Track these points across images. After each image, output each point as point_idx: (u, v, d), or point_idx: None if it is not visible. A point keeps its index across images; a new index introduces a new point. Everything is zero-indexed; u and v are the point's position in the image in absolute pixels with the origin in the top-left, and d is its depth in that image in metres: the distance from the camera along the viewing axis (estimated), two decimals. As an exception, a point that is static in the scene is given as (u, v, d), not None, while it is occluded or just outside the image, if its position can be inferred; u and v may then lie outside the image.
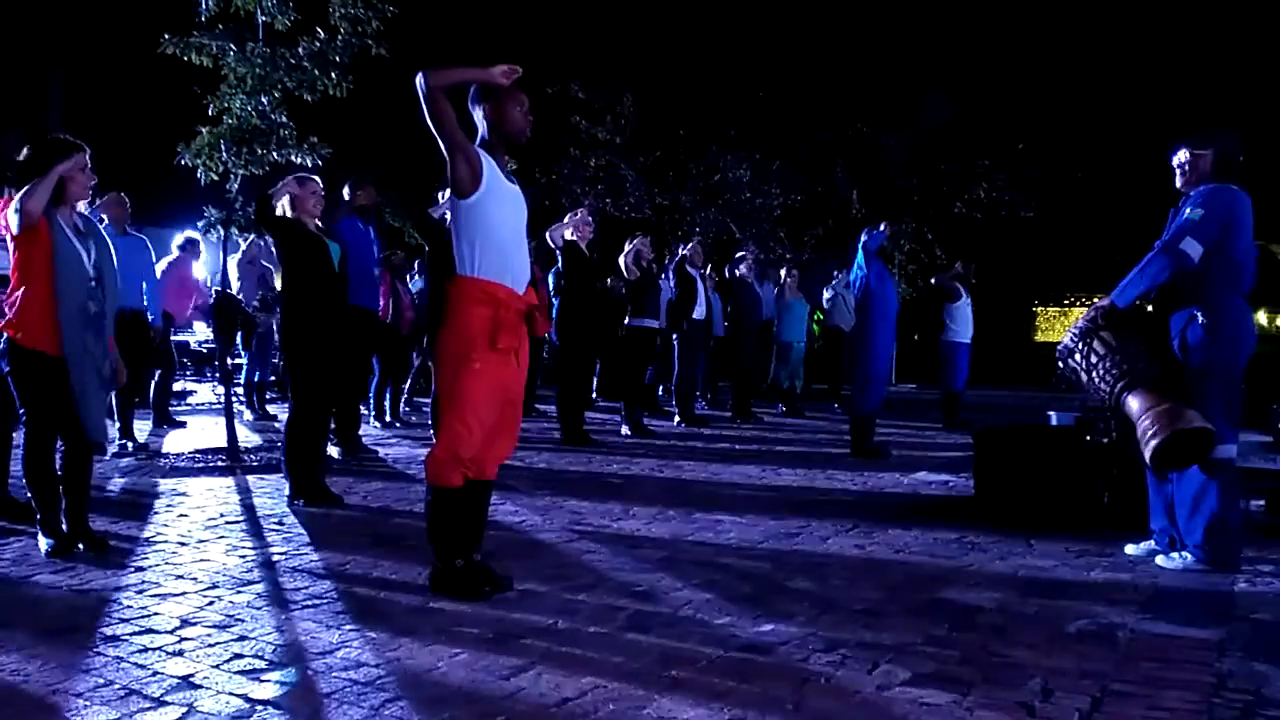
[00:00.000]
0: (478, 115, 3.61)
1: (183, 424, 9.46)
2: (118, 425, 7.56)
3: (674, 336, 10.25)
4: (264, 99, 7.13)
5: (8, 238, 4.21)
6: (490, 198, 3.50)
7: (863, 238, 7.87)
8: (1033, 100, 17.68)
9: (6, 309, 4.19)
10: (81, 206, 4.41)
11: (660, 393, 12.29)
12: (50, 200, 4.09)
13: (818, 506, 5.52)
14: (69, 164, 4.13)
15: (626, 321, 9.43)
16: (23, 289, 4.12)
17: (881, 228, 7.95)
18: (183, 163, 7.16)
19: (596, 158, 20.16)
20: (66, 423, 4.21)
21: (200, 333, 14.79)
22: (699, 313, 10.16)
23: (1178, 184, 4.24)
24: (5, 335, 4.17)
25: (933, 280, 10.76)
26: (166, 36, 7.12)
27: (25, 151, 4.18)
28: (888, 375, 8.03)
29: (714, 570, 4.05)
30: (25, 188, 4.04)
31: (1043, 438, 5.42)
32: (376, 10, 7.32)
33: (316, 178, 5.69)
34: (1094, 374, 4.07)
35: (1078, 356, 4.13)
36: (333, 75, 7.30)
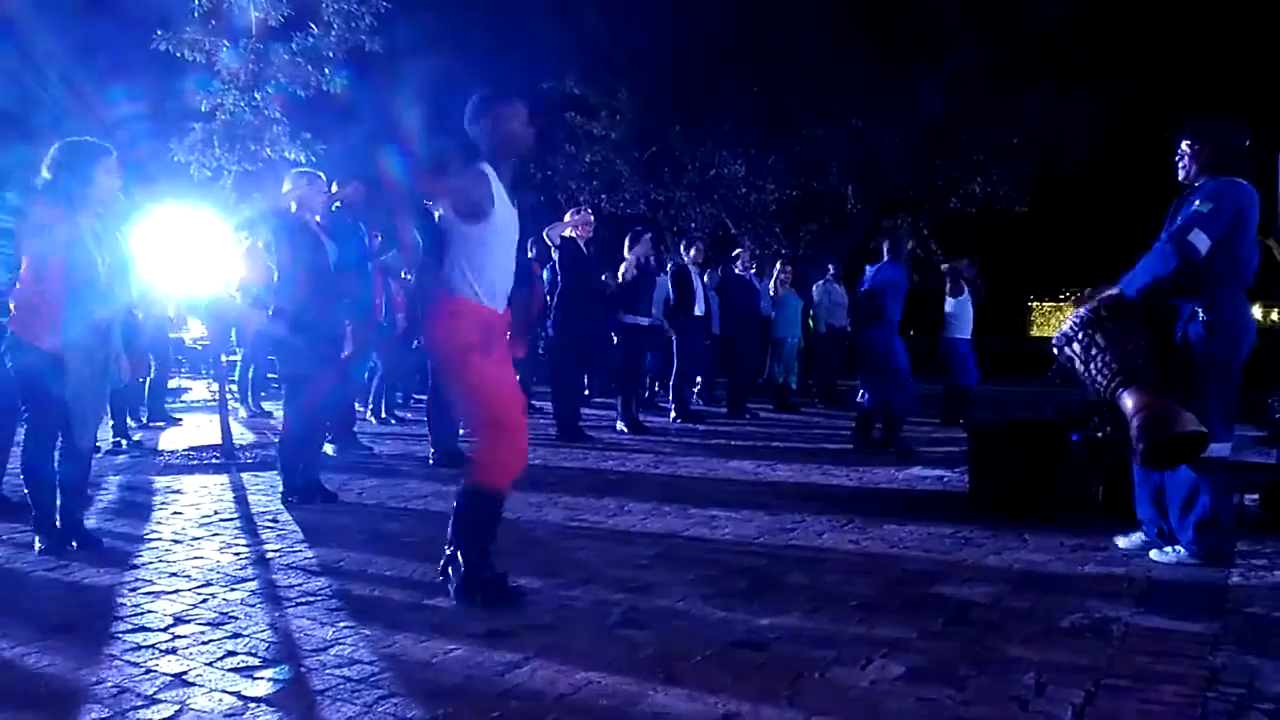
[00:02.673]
0: (476, 131, 3.55)
1: (178, 420, 9.45)
2: (111, 423, 7.55)
3: (671, 334, 10.26)
4: (257, 95, 7.11)
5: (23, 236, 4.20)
6: (494, 225, 3.45)
7: (884, 271, 7.90)
8: (1027, 95, 17.66)
9: (11, 304, 4.18)
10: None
11: (656, 389, 12.28)
12: (75, 203, 4.09)
13: (813, 502, 5.53)
14: (102, 168, 4.14)
15: (620, 318, 9.41)
16: (34, 286, 4.10)
17: (903, 256, 8.04)
18: (175, 158, 7.15)
19: (591, 153, 20.13)
20: (65, 422, 4.19)
21: (195, 330, 14.77)
22: (699, 309, 10.18)
23: (1179, 176, 4.22)
24: (11, 331, 4.16)
25: (943, 267, 10.70)
26: (159, 33, 7.10)
27: (54, 154, 4.14)
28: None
29: (709, 565, 4.05)
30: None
31: (1036, 432, 5.42)
32: (370, 6, 7.30)
33: (322, 175, 5.68)
34: (1092, 365, 4.02)
35: (1076, 346, 4.07)
36: (326, 71, 7.29)
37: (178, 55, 7.11)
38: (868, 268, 8.37)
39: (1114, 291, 4.09)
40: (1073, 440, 5.13)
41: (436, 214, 3.51)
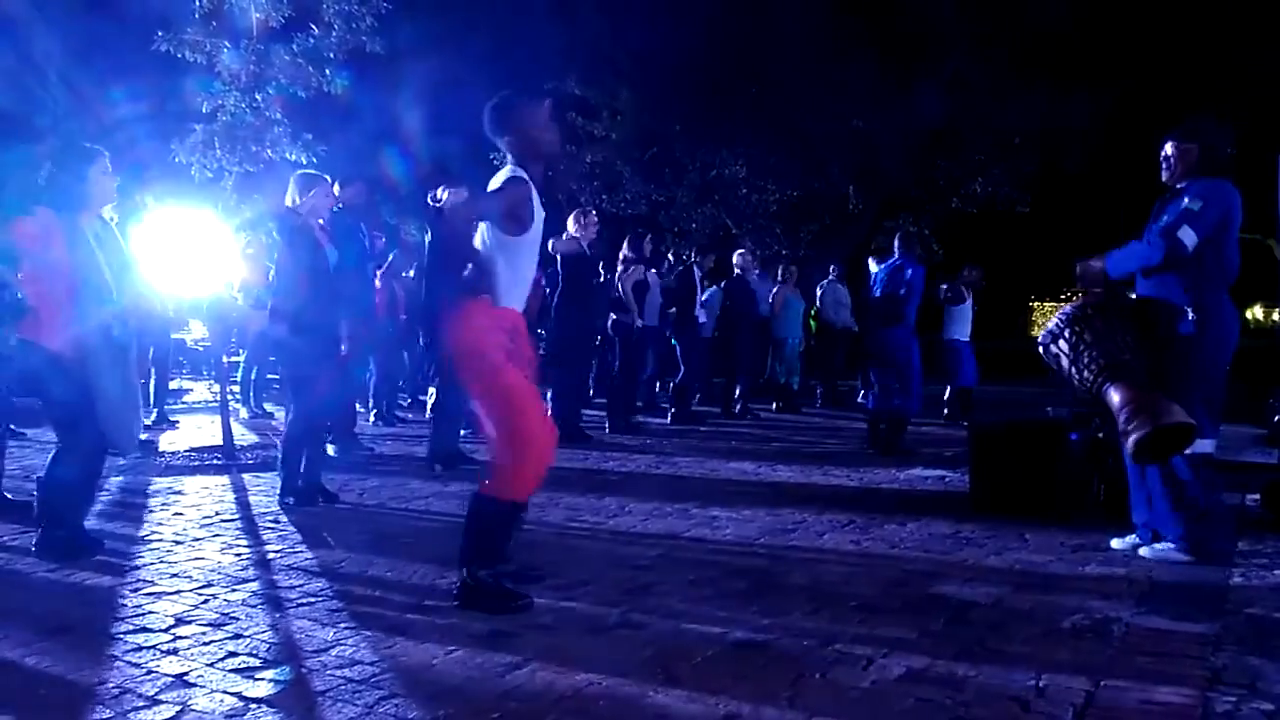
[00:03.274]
0: (503, 135, 3.52)
1: (175, 423, 9.44)
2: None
3: (671, 338, 10.34)
4: (258, 96, 7.12)
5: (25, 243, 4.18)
6: (534, 231, 3.45)
7: (908, 272, 7.86)
8: (1028, 95, 17.65)
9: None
10: (108, 211, 4.43)
11: (656, 389, 12.29)
12: (74, 206, 4.09)
13: (814, 502, 5.52)
14: (98, 170, 4.15)
15: (617, 319, 9.40)
16: (36, 288, 4.08)
17: (915, 254, 8.03)
18: (176, 160, 7.16)
19: (592, 153, 20.12)
20: (89, 426, 4.18)
21: (196, 330, 14.79)
22: (701, 316, 10.27)
23: (1163, 177, 4.26)
24: (21, 337, 4.13)
25: (944, 287, 10.67)
26: (160, 34, 7.11)
27: (48, 159, 4.16)
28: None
29: (710, 566, 4.05)
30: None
31: (1037, 432, 5.42)
32: (370, 7, 7.31)
33: (328, 177, 5.68)
34: (1079, 362, 4.01)
35: (1062, 343, 4.07)
36: (327, 72, 7.29)
37: (179, 56, 7.13)
38: (872, 262, 8.34)
39: (1099, 264, 4.12)
40: (1073, 440, 5.13)
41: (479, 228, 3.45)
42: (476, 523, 3.40)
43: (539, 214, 3.46)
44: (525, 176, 3.44)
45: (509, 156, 3.54)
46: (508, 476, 3.37)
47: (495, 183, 3.45)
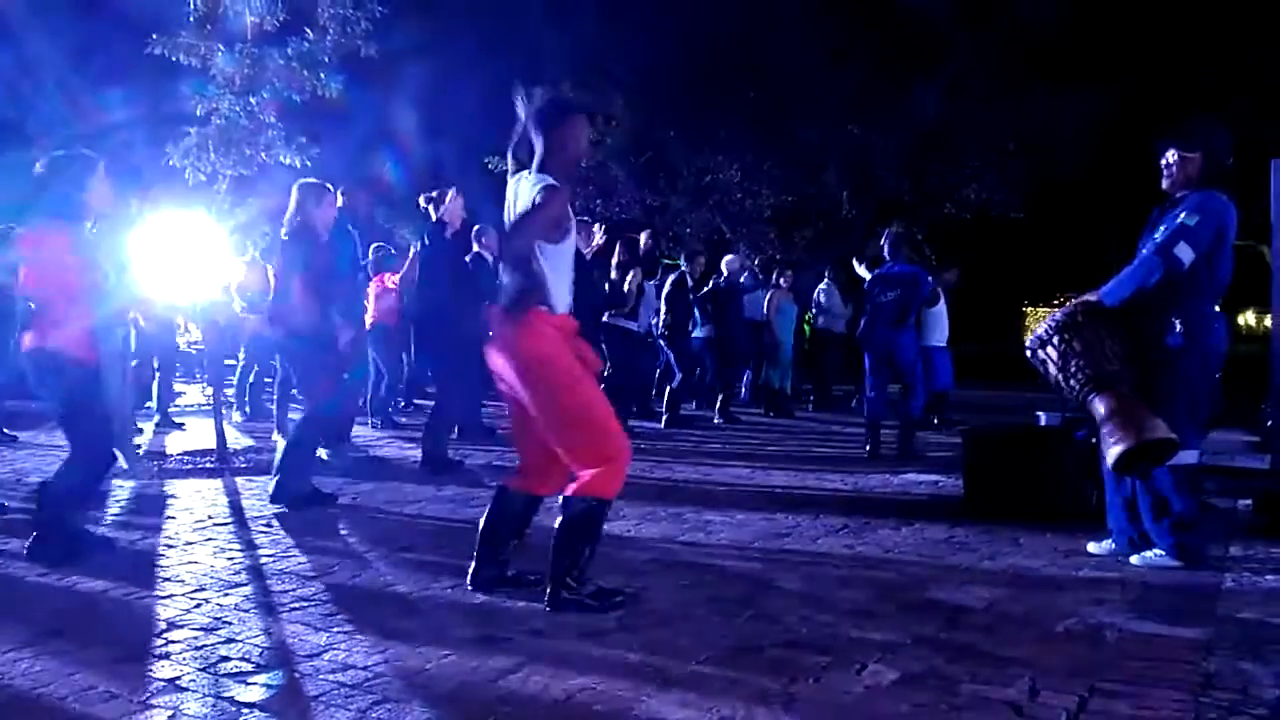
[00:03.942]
0: (541, 143, 3.51)
1: (181, 425, 9.41)
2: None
3: (666, 344, 10.38)
4: (252, 99, 7.11)
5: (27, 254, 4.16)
6: (573, 238, 3.56)
7: (926, 283, 7.88)
8: (1023, 100, 17.70)
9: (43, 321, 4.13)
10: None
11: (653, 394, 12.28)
12: (74, 214, 4.08)
13: (808, 506, 5.52)
14: (96, 178, 4.14)
15: (605, 318, 9.38)
16: (52, 299, 4.06)
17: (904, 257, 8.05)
18: (170, 163, 7.16)
19: (587, 158, 20.11)
20: (103, 431, 4.17)
21: (191, 333, 14.76)
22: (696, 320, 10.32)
23: (1164, 185, 4.21)
24: (36, 344, 4.10)
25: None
26: (154, 36, 7.10)
27: (45, 169, 4.13)
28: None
29: (704, 570, 4.05)
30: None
31: (1031, 438, 5.44)
32: (365, 10, 7.31)
33: (329, 185, 5.67)
34: (1066, 370, 4.00)
35: (1050, 349, 4.05)
36: (322, 75, 7.29)
37: (173, 59, 7.11)
38: (861, 267, 8.32)
39: (1092, 298, 4.09)
40: (1067, 445, 5.14)
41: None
42: (576, 531, 3.44)
43: (572, 228, 3.57)
44: (563, 188, 3.48)
45: (537, 159, 3.55)
46: (603, 476, 3.41)
47: (528, 191, 3.43)
